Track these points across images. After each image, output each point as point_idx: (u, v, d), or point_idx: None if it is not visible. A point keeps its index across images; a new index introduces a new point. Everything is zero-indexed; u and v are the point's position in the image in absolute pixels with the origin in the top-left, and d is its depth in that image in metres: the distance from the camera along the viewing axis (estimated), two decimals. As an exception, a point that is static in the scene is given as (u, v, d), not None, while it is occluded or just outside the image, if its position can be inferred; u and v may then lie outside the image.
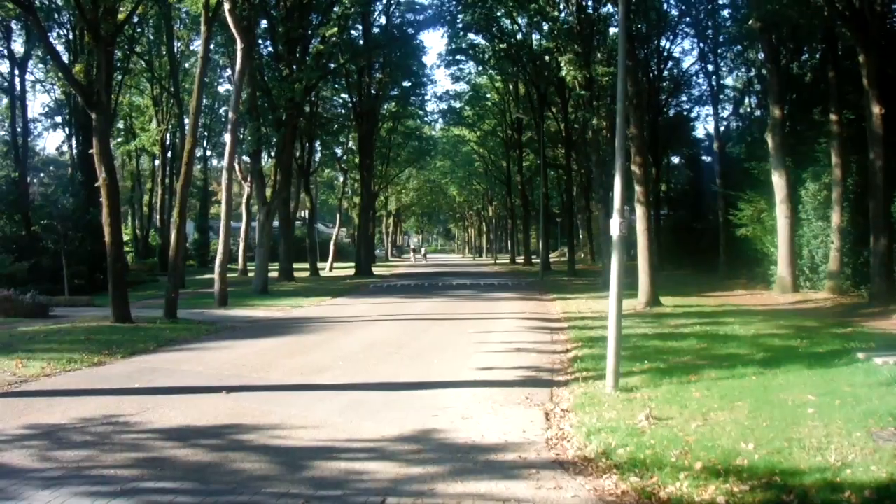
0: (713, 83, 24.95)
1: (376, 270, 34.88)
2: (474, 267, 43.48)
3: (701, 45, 24.98)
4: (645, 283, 13.76)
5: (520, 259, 47.37)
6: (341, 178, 44.66)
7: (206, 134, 37.84)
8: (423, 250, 60.69)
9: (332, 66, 25.46)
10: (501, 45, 29.93)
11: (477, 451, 4.79)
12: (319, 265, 34.11)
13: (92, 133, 11.49)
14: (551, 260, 41.57)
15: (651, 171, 27.55)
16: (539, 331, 10.71)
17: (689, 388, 6.16)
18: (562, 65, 17.49)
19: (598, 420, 5.35)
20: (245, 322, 12.45)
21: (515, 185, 43.52)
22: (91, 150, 11.31)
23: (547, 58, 25.48)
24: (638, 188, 14.10)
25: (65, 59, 21.82)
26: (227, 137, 15.77)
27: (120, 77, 27.83)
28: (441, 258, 73.75)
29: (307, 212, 35.35)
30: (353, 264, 34.59)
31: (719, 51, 24.28)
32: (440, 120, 48.54)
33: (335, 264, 37.26)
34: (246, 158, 33.60)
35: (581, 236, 54.50)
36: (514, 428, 5.29)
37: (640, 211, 13.98)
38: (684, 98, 30.10)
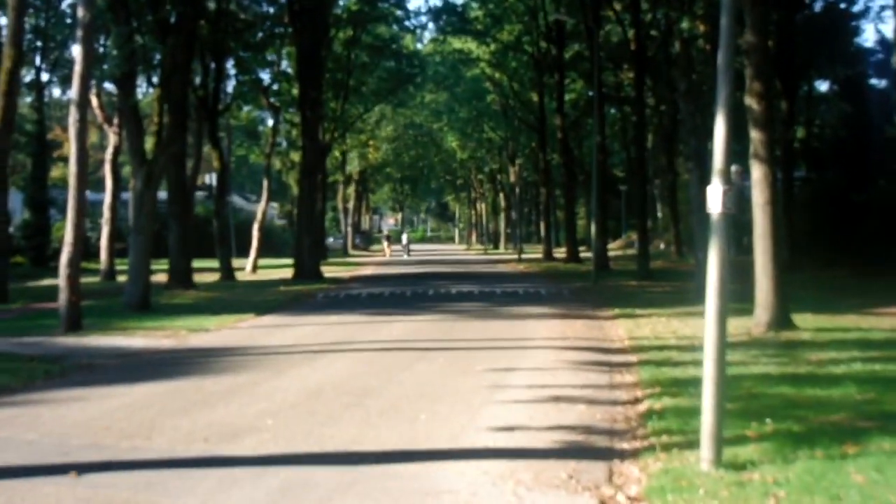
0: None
1: (328, 270, 35.30)
2: (486, 265, 43.93)
3: None
4: (767, 290, 13.80)
5: (559, 251, 47.60)
6: (270, 122, 44.89)
7: (38, 44, 37.45)
8: (404, 238, 61.10)
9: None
10: None
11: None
12: (237, 262, 34.43)
13: None
14: (611, 254, 42.00)
15: (780, 107, 27.65)
16: (590, 368, 10.91)
17: (844, 468, 6.10)
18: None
19: (688, 518, 5.41)
20: (112, 356, 12.67)
21: (553, 133, 43.81)
22: None
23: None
24: (757, 135, 13.92)
25: None
26: (77, 51, 15.72)
27: None
28: (432, 250, 74.27)
29: (215, 176, 35.33)
30: (290, 261, 34.85)
31: None
32: (430, 26, 48.74)
33: (261, 261, 37.63)
34: (110, 87, 33.72)
35: (660, 216, 54.93)
36: (552, 529, 5.25)
37: (759, 172, 13.83)
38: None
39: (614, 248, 52.51)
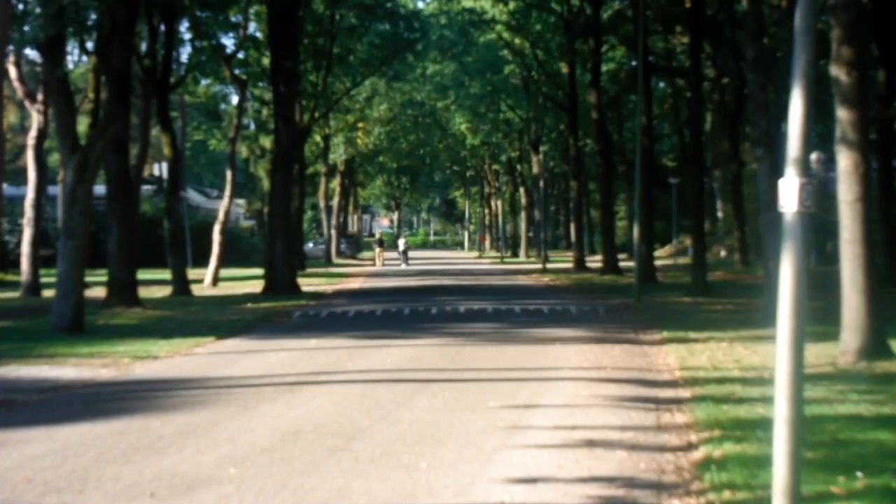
0: None
1: (307, 283, 35.52)
2: (502, 276, 44.19)
3: None
4: (857, 309, 13.65)
5: (593, 260, 47.52)
6: (235, 100, 45.11)
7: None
8: (400, 244, 61.26)
9: None
10: None
11: None
12: (193, 273, 34.66)
13: None
14: (658, 262, 42.04)
15: (876, 79, 27.41)
16: (632, 405, 10.93)
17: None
18: None
19: None
20: (36, 390, 12.61)
21: (587, 112, 43.82)
22: None
23: None
24: (845, 114, 13.70)
25: None
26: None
27: None
28: (436, 258, 74.03)
29: (165, 167, 35.41)
30: (259, 271, 34.86)
31: None
32: (434, -20, 48.86)
33: (224, 271, 37.85)
34: (33, 55, 33.64)
35: (720, 216, 54.83)
36: None
37: (847, 161, 13.69)
38: None
39: (663, 256, 52.47)
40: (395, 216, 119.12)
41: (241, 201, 74.76)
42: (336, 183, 69.54)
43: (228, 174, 38.21)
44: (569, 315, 22.93)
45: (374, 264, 59.22)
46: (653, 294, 28.18)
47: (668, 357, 14.90)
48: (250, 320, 22.31)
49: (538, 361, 14.68)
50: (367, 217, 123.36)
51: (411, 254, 63.62)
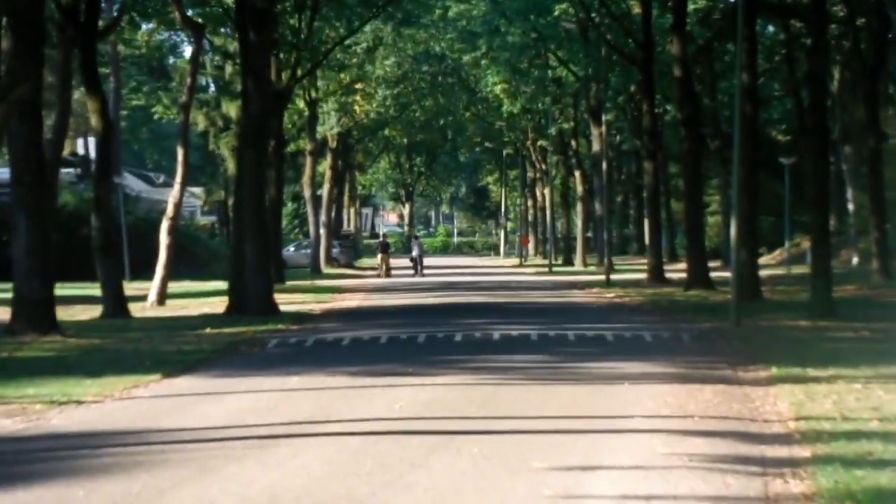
0: None
1: (287, 301, 35.45)
2: (551, 291, 44.11)
3: None
4: None
5: (675, 268, 47.04)
6: (188, 51, 45.05)
7: None
8: (414, 248, 61.35)
9: None
10: None
11: None
12: (132, 287, 34.89)
13: None
14: (765, 273, 41.68)
15: None
16: (729, 467, 10.81)
17: None
18: None
19: None
20: None
21: (666, 66, 43.56)
22: None
23: None
24: None
25: None
26: None
27: None
28: (461, 266, 72.84)
29: (92, 142, 35.56)
30: (222, 284, 35.07)
31: None
32: None
33: (175, 284, 37.94)
34: None
35: (851, 207, 54.05)
36: None
37: None
38: None
39: (771, 264, 52.24)
40: (406, 210, 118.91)
41: (197, 190, 74.63)
42: (326, 165, 69.45)
43: (180, 153, 38.02)
44: (642, 344, 22.80)
45: (377, 275, 59.19)
46: (757, 316, 27.99)
47: (779, 402, 14.74)
48: (210, 351, 22.22)
49: (600, 407, 14.60)
50: (367, 212, 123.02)
51: (428, 261, 63.62)
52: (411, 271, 58.62)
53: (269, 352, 22.61)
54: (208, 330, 26.54)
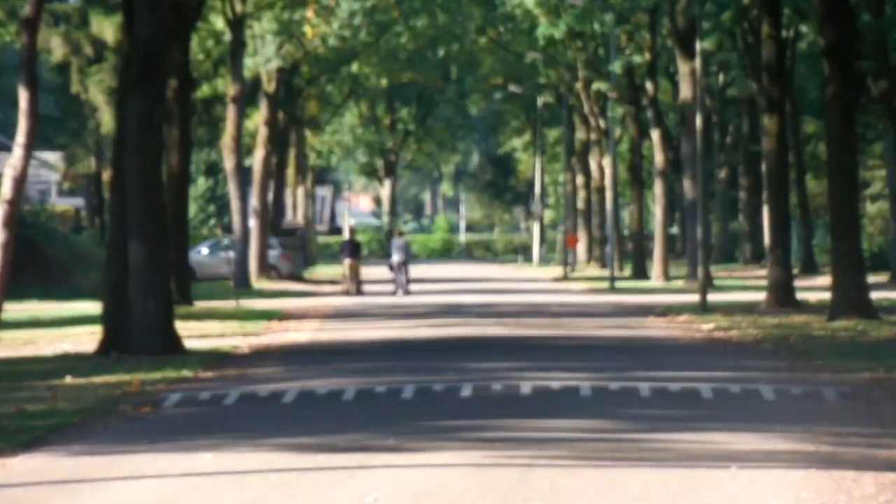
0: None
1: (196, 331, 32.45)
2: (613, 319, 39.91)
3: None
4: None
5: (811, 284, 44.08)
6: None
7: None
8: (394, 252, 54.86)
9: None
10: None
11: None
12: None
13: None
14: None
15: None
16: None
17: None
18: None
19: None
20: None
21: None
22: None
23: None
24: None
25: None
26: None
27: None
28: (472, 278, 71.37)
29: None
30: (92, 307, 32.73)
31: None
32: None
33: (13, 305, 34.57)
34: None
35: None
36: None
37: None
38: None
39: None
40: (385, 192, 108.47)
41: (52, 156, 68.80)
42: (259, 120, 61.77)
43: (23, 98, 30.37)
44: (759, 404, 19.18)
45: (341, 291, 54.07)
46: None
47: None
48: (70, 414, 18.24)
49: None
50: (324, 193, 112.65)
51: (418, 270, 58.25)
52: (391, 286, 53.33)
53: (167, 413, 18.83)
54: (69, 379, 22.27)
